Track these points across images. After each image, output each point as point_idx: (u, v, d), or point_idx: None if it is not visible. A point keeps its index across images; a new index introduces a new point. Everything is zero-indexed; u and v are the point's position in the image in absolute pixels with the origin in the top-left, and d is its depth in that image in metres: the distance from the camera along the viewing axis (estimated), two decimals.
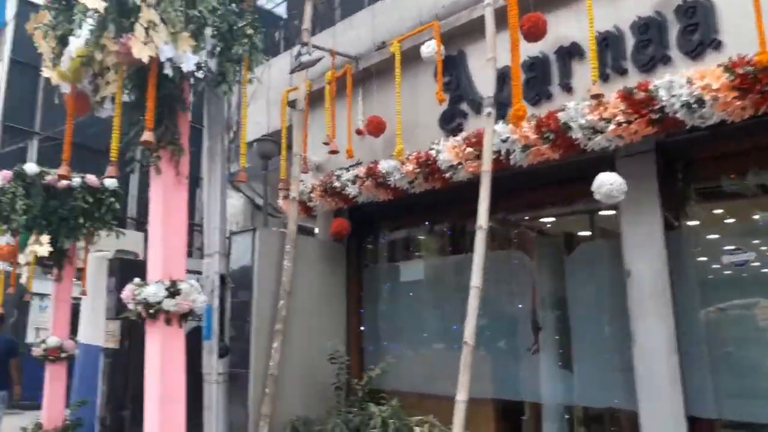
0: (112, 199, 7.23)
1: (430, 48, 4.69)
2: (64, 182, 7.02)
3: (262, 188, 7.54)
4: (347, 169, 5.53)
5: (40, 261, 7.36)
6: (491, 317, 5.05)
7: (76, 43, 4.07)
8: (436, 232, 5.97)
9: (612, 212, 4.42)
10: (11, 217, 6.80)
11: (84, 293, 7.26)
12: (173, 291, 4.30)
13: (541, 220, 5.27)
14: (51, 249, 6.77)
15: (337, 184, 5.50)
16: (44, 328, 12.39)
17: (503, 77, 4.44)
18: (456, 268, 5.45)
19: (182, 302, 4.32)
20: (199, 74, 4.20)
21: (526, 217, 5.17)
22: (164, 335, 4.33)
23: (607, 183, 3.51)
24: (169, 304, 4.26)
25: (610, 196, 3.52)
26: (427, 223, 5.96)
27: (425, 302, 5.70)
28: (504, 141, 4.21)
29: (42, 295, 11.22)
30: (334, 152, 5.39)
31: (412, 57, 5.08)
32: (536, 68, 4.31)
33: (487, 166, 3.97)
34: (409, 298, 5.89)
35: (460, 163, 4.52)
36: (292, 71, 5.05)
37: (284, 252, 5.32)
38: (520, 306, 5.06)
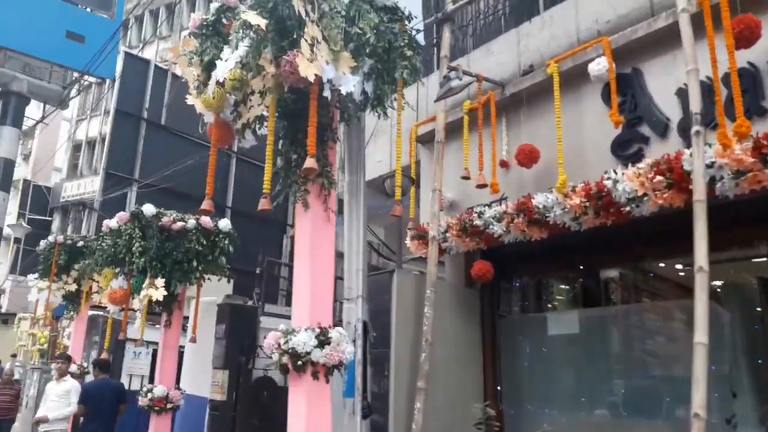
0: (226, 242, 6.98)
1: (600, 66, 4.15)
2: (180, 224, 6.82)
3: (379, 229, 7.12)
4: (489, 206, 4.98)
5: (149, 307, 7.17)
6: (674, 381, 4.28)
7: (227, 66, 3.79)
8: (595, 277, 5.25)
9: None
10: (127, 260, 6.64)
11: (193, 340, 6.93)
12: (323, 340, 3.81)
13: (736, 261, 4.50)
14: (165, 293, 6.53)
15: (478, 222, 4.94)
16: (137, 374, 12.29)
17: (684, 93, 3.84)
18: (624, 319, 4.72)
19: (333, 353, 3.80)
20: (357, 96, 3.86)
21: (730, 258, 4.42)
22: (311, 391, 3.79)
23: None
24: (318, 355, 3.76)
25: None
26: (582, 266, 5.26)
27: (583, 360, 4.95)
28: (709, 167, 3.55)
29: (135, 341, 11.10)
30: (481, 186, 4.86)
31: (570, 79, 4.56)
32: (744, 80, 3.68)
33: (701, 194, 3.31)
34: (560, 354, 5.15)
35: (645, 194, 3.88)
36: (439, 98, 4.62)
37: (425, 297, 4.76)
38: (713, 368, 4.26)
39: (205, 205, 4.13)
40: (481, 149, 4.87)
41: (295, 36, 3.50)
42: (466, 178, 5.09)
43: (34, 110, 13.97)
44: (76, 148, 22.73)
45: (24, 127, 14.06)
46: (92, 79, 12.73)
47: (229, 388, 6.86)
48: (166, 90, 14.63)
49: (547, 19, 4.96)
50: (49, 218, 21.19)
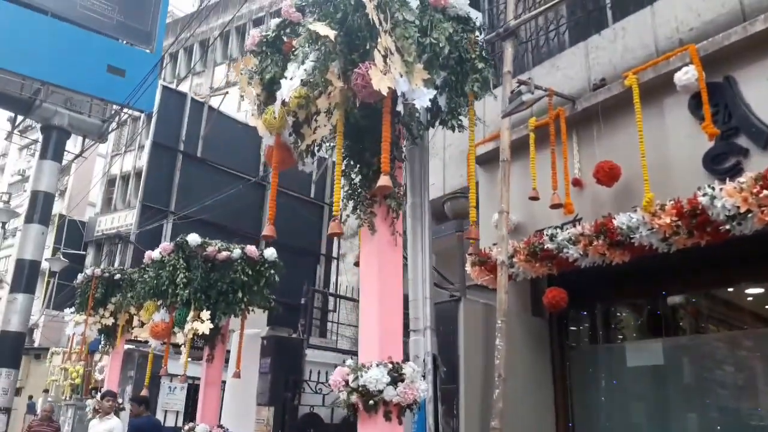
0: (272, 271, 6.71)
1: (689, 74, 3.82)
2: (225, 254, 6.58)
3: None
4: (561, 228, 4.63)
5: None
6: None
7: (292, 85, 3.57)
8: (679, 303, 4.81)
9: None
10: (171, 291, 6.39)
11: (237, 375, 6.60)
12: (396, 376, 3.45)
13: None
14: (211, 326, 6.24)
15: (550, 245, 4.58)
16: (172, 410, 11.96)
17: None
18: (716, 349, 4.28)
19: (407, 390, 3.43)
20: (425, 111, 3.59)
21: None
22: None
23: None
24: (391, 393, 3.39)
25: None
26: (664, 291, 4.83)
27: (668, 394, 4.48)
28: None
29: (171, 376, 10.80)
30: (557, 206, 4.51)
31: (650, 91, 4.23)
32: None
33: None
34: (641, 388, 4.68)
35: (749, 211, 3.50)
36: (509, 113, 4.34)
37: (495, 328, 4.38)
38: None
39: (267, 231, 3.87)
40: (554, 167, 4.53)
41: (368, 47, 3.27)
42: (535, 198, 4.75)
43: (70, 145, 14.05)
44: (111, 182, 23.02)
45: (64, 162, 14.21)
46: (132, 112, 12.78)
47: (275, 425, 6.48)
48: (202, 122, 14.67)
49: (619, 30, 4.67)
50: (83, 252, 21.30)
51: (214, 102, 15.09)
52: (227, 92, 16.87)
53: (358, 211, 3.80)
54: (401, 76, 3.28)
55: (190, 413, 11.47)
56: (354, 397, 3.42)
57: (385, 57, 3.20)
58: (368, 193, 3.83)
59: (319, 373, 6.75)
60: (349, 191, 3.79)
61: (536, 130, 4.96)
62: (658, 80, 4.17)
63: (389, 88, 3.18)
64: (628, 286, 4.79)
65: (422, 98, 3.37)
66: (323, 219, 16.11)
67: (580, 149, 4.75)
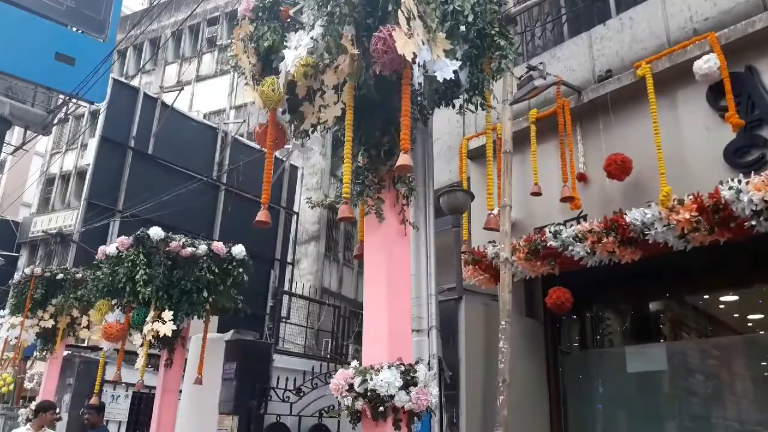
0: (240, 270, 6.13)
1: (710, 62, 3.62)
2: (189, 249, 5.96)
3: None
4: (564, 225, 4.34)
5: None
6: None
7: (297, 54, 3.12)
8: (688, 305, 4.59)
9: None
10: (128, 290, 5.71)
11: (199, 381, 5.96)
12: (409, 380, 3.03)
13: None
14: (174, 327, 5.60)
15: (553, 243, 4.29)
16: (114, 420, 10.95)
17: None
18: (727, 352, 4.07)
19: (421, 396, 3.01)
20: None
21: None
22: None
23: None
24: (403, 399, 2.96)
25: None
26: (668, 294, 4.60)
27: (672, 402, 4.24)
28: None
29: (114, 384, 9.88)
30: (567, 199, 4.21)
31: (663, 82, 4.02)
32: None
33: None
34: (642, 395, 4.43)
35: None
36: (517, 100, 4.03)
37: (497, 330, 4.02)
38: None
39: (262, 216, 3.36)
40: (564, 157, 4.24)
41: (389, 8, 2.87)
42: (537, 194, 4.45)
43: (7, 139, 12.88)
44: (49, 182, 21.53)
45: (1, 156, 13.00)
46: (78, 106, 11.81)
47: None
48: (154, 119, 13.79)
49: (627, 20, 4.46)
50: (16, 254, 19.73)
51: (167, 100, 14.22)
52: (182, 89, 16.02)
53: (364, 196, 3.37)
54: (423, 44, 2.90)
55: (133, 424, 10.58)
56: (360, 403, 2.97)
57: (408, 20, 2.81)
58: (376, 177, 3.42)
59: (287, 379, 6.20)
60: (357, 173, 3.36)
61: (536, 123, 4.69)
62: (673, 71, 3.96)
63: (413, 54, 2.78)
64: (631, 287, 4.53)
65: (445, 70, 2.99)
66: (279, 222, 15.46)
67: (585, 142, 4.49)
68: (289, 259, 15.55)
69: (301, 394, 6.13)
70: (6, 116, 9.73)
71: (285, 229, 15.52)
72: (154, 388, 7.62)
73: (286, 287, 14.49)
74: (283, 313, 11.20)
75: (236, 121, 16.80)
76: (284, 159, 16.11)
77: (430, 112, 3.68)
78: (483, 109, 3.38)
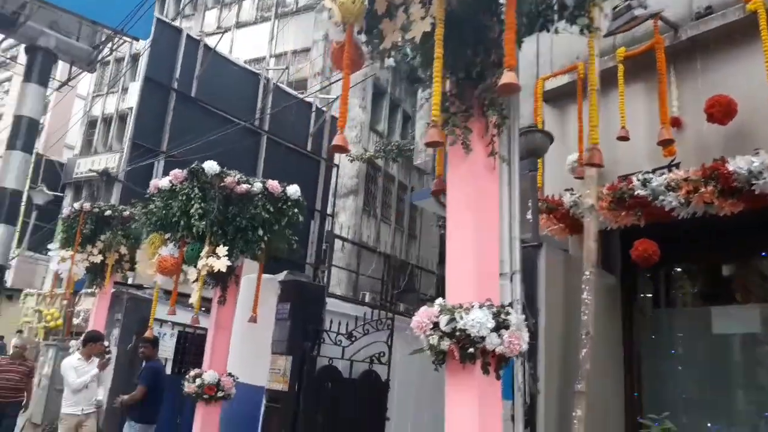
0: (295, 210, 5.97)
1: None
2: (245, 186, 5.78)
3: None
4: (652, 173, 4.01)
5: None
6: None
7: None
8: None
9: None
10: (183, 224, 5.59)
11: (253, 320, 5.90)
12: (501, 322, 2.81)
13: None
14: (228, 263, 5.49)
15: (641, 191, 3.96)
16: (162, 357, 11.16)
17: None
18: None
19: (513, 340, 2.80)
20: None
21: None
22: (482, 390, 2.80)
23: None
24: (495, 342, 2.75)
25: None
26: (765, 252, 4.26)
27: (764, 366, 3.97)
28: None
29: (161, 321, 9.99)
30: (665, 142, 3.84)
31: None
32: None
33: None
34: (728, 358, 4.16)
35: None
36: (614, 31, 3.65)
37: (580, 280, 3.76)
38: None
39: (338, 140, 3.12)
40: (663, 96, 3.86)
41: None
42: (624, 138, 4.09)
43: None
44: (91, 124, 21.67)
45: (48, 91, 12.98)
46: (123, 42, 11.60)
47: (292, 376, 5.83)
48: (197, 62, 13.56)
49: None
50: (61, 194, 20.07)
51: (209, 43, 13.93)
52: (224, 32, 15.69)
53: (450, 124, 3.09)
54: None
55: (179, 361, 10.78)
56: (446, 343, 2.76)
57: None
58: (463, 104, 3.13)
59: (339, 323, 6.09)
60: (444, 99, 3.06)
61: (624, 62, 4.29)
62: None
63: None
64: (724, 242, 4.19)
65: None
66: (319, 174, 15.30)
67: (680, 84, 4.10)
68: (329, 211, 15.45)
69: (353, 338, 6.02)
70: (52, 49, 9.57)
71: (325, 181, 15.37)
72: (201, 328, 7.66)
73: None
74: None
75: (278, 67, 16.45)
76: (325, 109, 15.80)
77: (523, 37, 3.34)
78: (585, 32, 3.01)
